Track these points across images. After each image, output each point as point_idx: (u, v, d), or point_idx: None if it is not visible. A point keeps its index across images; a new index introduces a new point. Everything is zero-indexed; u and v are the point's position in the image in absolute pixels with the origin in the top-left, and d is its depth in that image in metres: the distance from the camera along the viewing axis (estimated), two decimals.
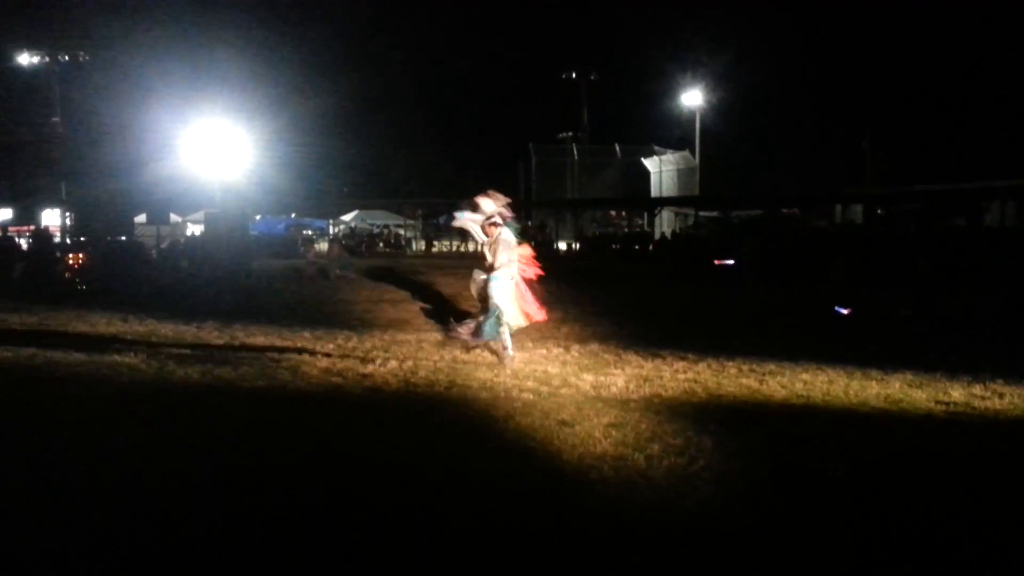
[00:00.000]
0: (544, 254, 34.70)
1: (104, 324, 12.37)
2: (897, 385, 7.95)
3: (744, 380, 8.24)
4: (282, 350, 9.89)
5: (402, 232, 46.27)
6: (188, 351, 9.87)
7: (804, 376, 8.35)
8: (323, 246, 21.55)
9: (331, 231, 43.46)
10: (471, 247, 39.27)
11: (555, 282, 10.83)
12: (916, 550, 4.28)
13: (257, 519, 4.62)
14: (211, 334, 11.35)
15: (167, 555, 4.18)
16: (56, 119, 30.65)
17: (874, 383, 8.05)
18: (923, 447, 6.08)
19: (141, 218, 35.05)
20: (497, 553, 4.19)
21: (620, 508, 4.80)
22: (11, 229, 30.19)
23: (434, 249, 41.53)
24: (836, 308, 13.51)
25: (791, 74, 50.38)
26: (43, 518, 4.65)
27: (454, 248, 40.85)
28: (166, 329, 11.84)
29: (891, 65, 46.70)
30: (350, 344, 10.42)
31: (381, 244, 41.71)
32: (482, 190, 10.02)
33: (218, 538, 4.37)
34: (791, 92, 50.14)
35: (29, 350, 10.05)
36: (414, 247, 42.70)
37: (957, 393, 7.65)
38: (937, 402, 7.35)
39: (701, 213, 40.28)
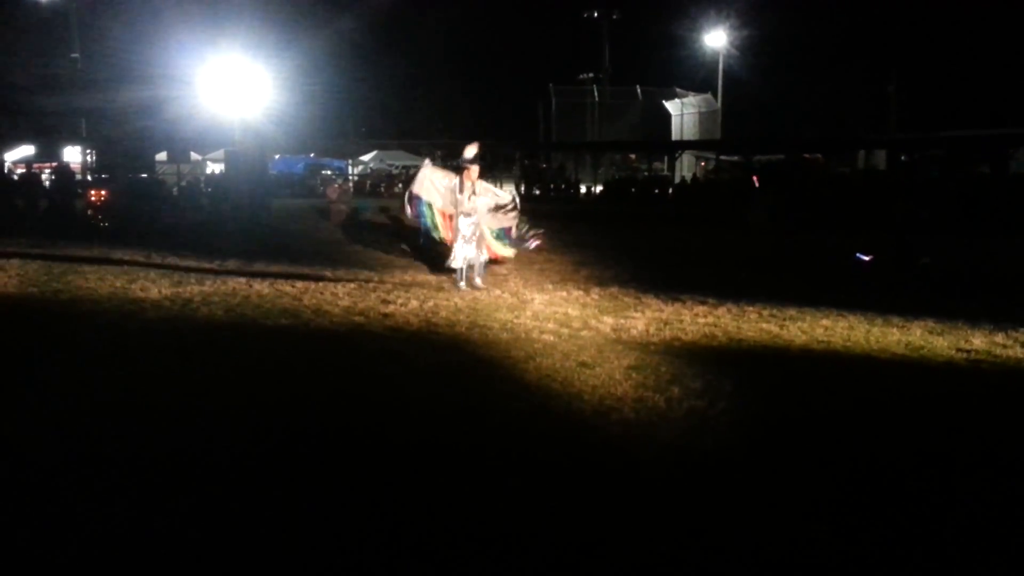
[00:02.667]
0: (564, 197, 34.58)
1: (126, 260, 12.47)
2: (918, 332, 7.94)
3: (764, 325, 8.26)
4: (304, 289, 9.96)
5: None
6: (211, 288, 9.96)
7: (824, 322, 8.35)
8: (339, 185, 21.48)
9: (350, 171, 43.39)
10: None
11: (575, 225, 10.84)
12: (931, 494, 4.32)
13: (279, 450, 4.71)
14: (232, 272, 11.44)
15: (186, 485, 4.28)
16: (75, 55, 30.54)
17: (895, 330, 8.04)
18: (943, 393, 6.10)
19: (162, 156, 35.03)
20: (516, 486, 4.27)
21: (640, 447, 4.87)
22: (34, 166, 30.34)
23: None
24: (857, 255, 13.43)
25: (816, 16, 49.29)
26: (69, 448, 4.77)
27: None
28: (188, 266, 11.94)
29: (918, 7, 45.62)
30: (371, 284, 10.48)
31: (400, 185, 41.57)
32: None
33: (237, 468, 4.46)
34: (816, 34, 49.12)
35: (54, 286, 10.19)
36: None
37: (979, 341, 7.63)
38: (958, 350, 7.34)
39: (722, 157, 39.89)
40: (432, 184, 10.67)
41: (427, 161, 11.33)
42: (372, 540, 3.74)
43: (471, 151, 10.45)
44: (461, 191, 10.31)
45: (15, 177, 27.13)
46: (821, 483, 4.42)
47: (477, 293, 9.87)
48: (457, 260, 10.30)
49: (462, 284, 10.23)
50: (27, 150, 35.64)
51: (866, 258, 13.24)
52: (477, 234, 10.33)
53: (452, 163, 11.04)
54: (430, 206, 10.67)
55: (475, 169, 10.36)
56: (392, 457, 4.67)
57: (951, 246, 14.01)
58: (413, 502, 4.10)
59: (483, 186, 10.60)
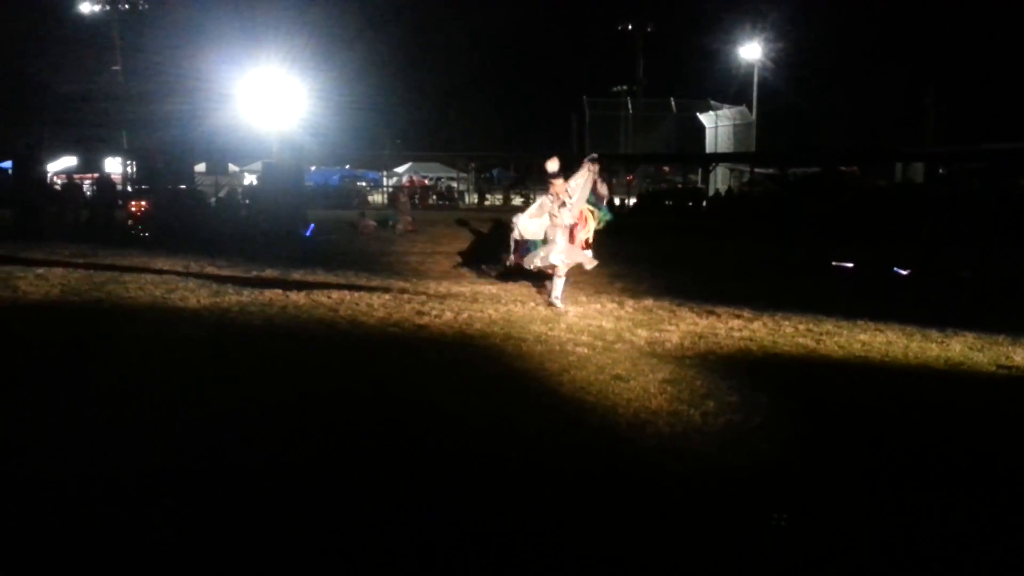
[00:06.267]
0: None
1: (166, 270, 12.65)
2: (957, 348, 7.84)
3: (800, 340, 8.19)
4: (340, 300, 10.04)
5: (455, 185, 46.34)
6: (248, 298, 10.07)
7: (862, 337, 8.27)
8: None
9: (385, 182, 43.77)
10: (522, 200, 39.29)
11: (609, 238, 10.85)
12: (970, 512, 4.26)
13: (311, 458, 4.75)
14: (270, 282, 11.55)
15: (211, 488, 4.34)
16: (117, 68, 31.12)
17: (934, 345, 7.95)
18: (982, 411, 6.01)
19: (201, 167, 35.54)
20: (550, 497, 4.27)
21: (674, 461, 4.85)
22: (76, 177, 30.91)
23: (486, 202, 41.55)
24: (894, 268, 13.31)
25: (852, 27, 48.92)
26: (104, 449, 4.85)
27: (506, 202, 40.89)
28: (226, 276, 12.08)
29: (956, 17, 45.09)
30: (406, 295, 10.54)
31: (434, 197, 41.84)
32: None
33: (268, 474, 4.51)
34: (852, 46, 48.76)
35: (95, 295, 10.35)
36: (466, 200, 42.76)
37: (1020, 357, 7.52)
38: (999, 366, 7.24)
39: (757, 170, 39.66)
40: (529, 225, 10.40)
41: (517, 217, 10.64)
42: (405, 546, 3.76)
43: (553, 165, 10.18)
44: (556, 204, 10.08)
45: (57, 187, 27.63)
46: (857, 499, 4.37)
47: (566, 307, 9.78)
48: (535, 262, 10.13)
49: (557, 298, 9.93)
50: (70, 160, 36.31)
51: (904, 272, 13.11)
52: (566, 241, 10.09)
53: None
54: (537, 244, 10.40)
55: (560, 182, 10.02)
56: (427, 466, 4.70)
57: (992, 260, 13.82)
58: (448, 510, 4.12)
59: (574, 186, 10.13)
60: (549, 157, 10.35)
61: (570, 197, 10.03)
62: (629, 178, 42.54)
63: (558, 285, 9.95)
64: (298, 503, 4.23)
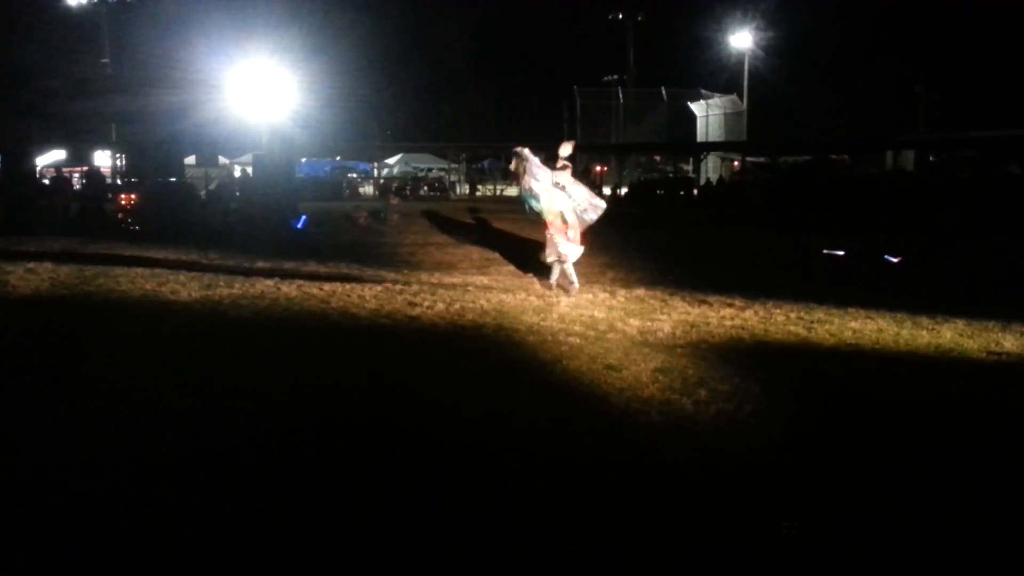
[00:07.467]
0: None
1: (157, 263, 12.60)
2: (948, 335, 7.87)
3: (792, 327, 8.21)
4: (331, 292, 10.03)
5: (446, 176, 46.28)
6: (240, 291, 10.05)
7: (853, 324, 8.29)
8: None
9: (375, 174, 43.70)
10: (515, 191, 39.29)
11: (600, 227, 10.83)
12: (963, 498, 4.29)
13: (303, 453, 4.75)
14: (261, 274, 11.52)
15: (207, 480, 4.33)
16: (106, 60, 30.93)
17: (925, 332, 7.98)
18: (972, 396, 6.04)
19: (190, 160, 35.40)
20: (543, 488, 4.28)
21: (667, 450, 4.86)
22: (64, 170, 30.75)
23: (478, 193, 41.53)
24: (884, 256, 13.35)
25: (843, 15, 48.95)
26: (93, 444, 4.84)
27: (498, 192, 40.94)
28: (217, 269, 12.04)
29: (948, 4, 45.12)
30: (397, 287, 10.52)
31: (425, 188, 41.78)
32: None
33: (260, 470, 4.51)
34: (843, 34, 48.79)
35: (85, 288, 10.32)
36: (458, 191, 42.71)
37: (1010, 343, 7.55)
38: (989, 352, 7.27)
39: (748, 159, 39.71)
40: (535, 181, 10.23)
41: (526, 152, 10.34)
42: (398, 540, 3.76)
43: (566, 149, 10.38)
44: (559, 187, 10.17)
45: (46, 181, 27.48)
46: (849, 487, 4.39)
47: (556, 295, 9.86)
48: (551, 255, 10.28)
49: (553, 282, 10.23)
50: (59, 154, 36.11)
51: (895, 260, 13.16)
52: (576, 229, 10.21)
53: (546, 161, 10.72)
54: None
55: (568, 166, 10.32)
56: (419, 458, 4.70)
57: (983, 247, 13.88)
58: (439, 502, 4.12)
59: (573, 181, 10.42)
60: (561, 142, 10.60)
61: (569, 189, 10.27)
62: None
63: (567, 272, 10.26)
64: (289, 496, 4.22)
